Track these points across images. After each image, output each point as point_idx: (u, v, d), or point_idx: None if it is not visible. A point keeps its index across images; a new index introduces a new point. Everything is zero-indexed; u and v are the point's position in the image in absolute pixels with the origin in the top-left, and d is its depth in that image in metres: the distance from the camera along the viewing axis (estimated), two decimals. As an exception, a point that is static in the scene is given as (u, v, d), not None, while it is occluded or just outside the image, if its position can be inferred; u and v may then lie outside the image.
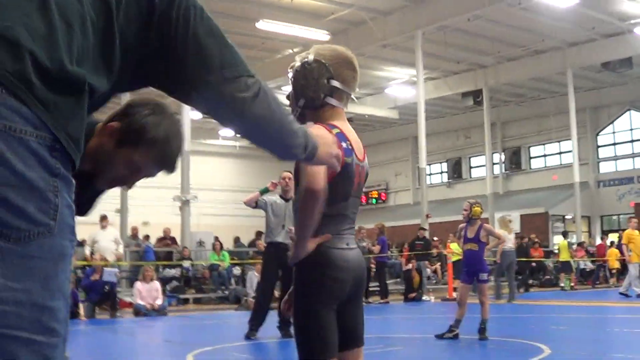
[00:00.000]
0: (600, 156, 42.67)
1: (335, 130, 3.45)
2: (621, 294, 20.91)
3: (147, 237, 26.17)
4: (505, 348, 9.96)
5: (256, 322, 11.18)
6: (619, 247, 29.04)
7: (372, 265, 21.86)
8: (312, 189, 3.21)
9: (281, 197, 11.28)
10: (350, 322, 3.56)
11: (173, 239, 26.23)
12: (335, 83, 3.61)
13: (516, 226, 37.43)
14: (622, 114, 41.57)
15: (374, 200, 52.84)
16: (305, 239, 3.36)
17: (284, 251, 10.62)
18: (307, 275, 3.46)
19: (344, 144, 3.46)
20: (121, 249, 20.10)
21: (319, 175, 3.21)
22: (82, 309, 16.79)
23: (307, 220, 3.30)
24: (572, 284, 26.94)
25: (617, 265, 29.11)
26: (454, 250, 23.14)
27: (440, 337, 10.76)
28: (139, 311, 17.58)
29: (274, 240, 11.09)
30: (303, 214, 3.31)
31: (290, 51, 33.00)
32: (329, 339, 3.41)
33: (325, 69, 3.61)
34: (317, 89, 3.56)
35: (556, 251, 32.33)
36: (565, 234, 31.00)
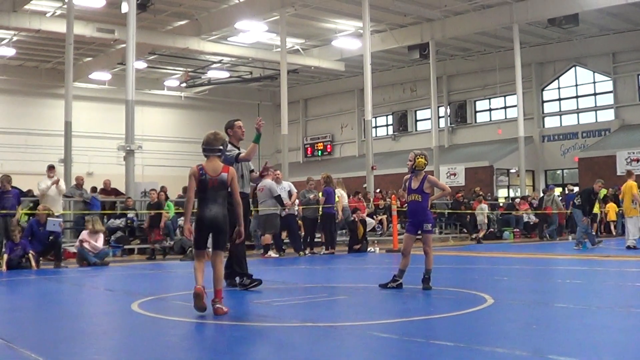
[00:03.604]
0: (545, 111, 43.20)
1: (199, 166, 8.44)
2: (629, 247, 20.09)
3: (94, 189, 25.93)
4: (449, 298, 10.08)
5: (245, 270, 11.16)
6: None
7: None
8: (187, 195, 8.72)
9: (232, 145, 11.04)
10: (216, 240, 8.46)
11: (115, 191, 26.00)
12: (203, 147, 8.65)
13: (460, 179, 37.95)
14: (568, 70, 42.05)
15: (319, 152, 52.91)
16: (188, 216, 8.54)
17: (245, 200, 10.95)
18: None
19: (201, 171, 8.39)
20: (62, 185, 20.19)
21: (189, 190, 8.53)
22: (32, 259, 16.65)
23: (186, 208, 8.53)
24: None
25: (614, 217, 29.66)
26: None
27: (384, 286, 10.86)
28: (82, 257, 17.55)
29: (241, 190, 10.90)
30: (185, 205, 8.68)
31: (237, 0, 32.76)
32: (198, 243, 8.48)
33: None
34: None
35: (501, 204, 32.84)
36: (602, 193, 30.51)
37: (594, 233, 22.63)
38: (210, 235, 8.50)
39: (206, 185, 8.42)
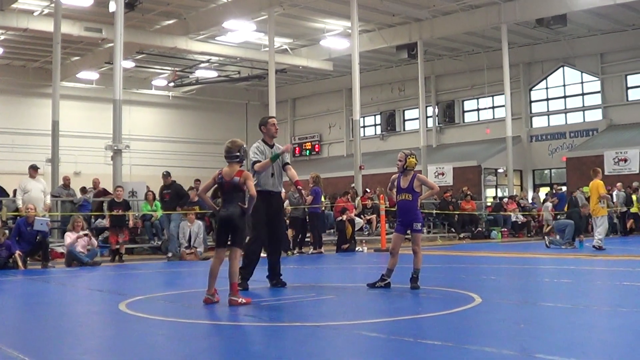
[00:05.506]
0: (532, 111, 43.28)
1: (220, 170, 9.55)
2: (596, 247, 19.90)
3: (84, 189, 25.81)
4: (437, 297, 10.08)
5: (247, 270, 10.95)
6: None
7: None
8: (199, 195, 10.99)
9: (265, 142, 11.14)
10: (232, 237, 9.35)
11: (103, 191, 25.90)
12: None
13: (449, 179, 37.99)
14: (555, 70, 42.14)
15: (307, 152, 52.85)
16: (208, 202, 10.61)
17: (275, 199, 11.29)
18: None
19: (220, 175, 9.49)
20: (48, 200, 19.86)
21: (203, 185, 10.36)
22: (19, 259, 16.57)
23: (201, 198, 11.55)
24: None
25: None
26: None
27: (372, 286, 10.85)
28: (73, 258, 17.50)
29: (265, 188, 10.89)
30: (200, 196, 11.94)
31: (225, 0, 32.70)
32: (218, 241, 9.65)
33: None
34: None
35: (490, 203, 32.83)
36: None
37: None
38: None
39: (223, 188, 9.55)
